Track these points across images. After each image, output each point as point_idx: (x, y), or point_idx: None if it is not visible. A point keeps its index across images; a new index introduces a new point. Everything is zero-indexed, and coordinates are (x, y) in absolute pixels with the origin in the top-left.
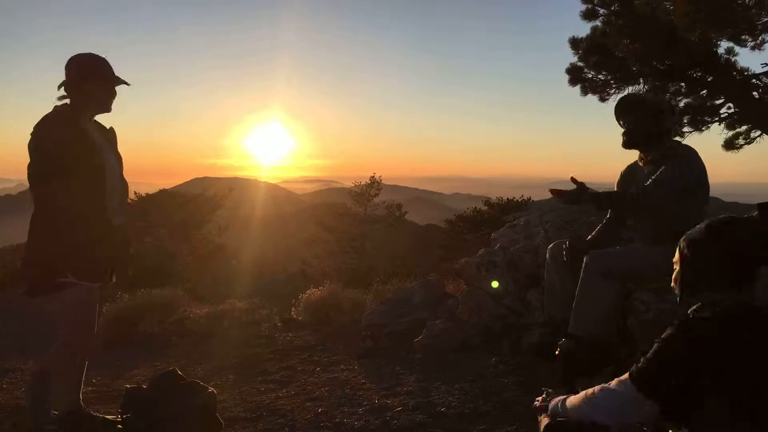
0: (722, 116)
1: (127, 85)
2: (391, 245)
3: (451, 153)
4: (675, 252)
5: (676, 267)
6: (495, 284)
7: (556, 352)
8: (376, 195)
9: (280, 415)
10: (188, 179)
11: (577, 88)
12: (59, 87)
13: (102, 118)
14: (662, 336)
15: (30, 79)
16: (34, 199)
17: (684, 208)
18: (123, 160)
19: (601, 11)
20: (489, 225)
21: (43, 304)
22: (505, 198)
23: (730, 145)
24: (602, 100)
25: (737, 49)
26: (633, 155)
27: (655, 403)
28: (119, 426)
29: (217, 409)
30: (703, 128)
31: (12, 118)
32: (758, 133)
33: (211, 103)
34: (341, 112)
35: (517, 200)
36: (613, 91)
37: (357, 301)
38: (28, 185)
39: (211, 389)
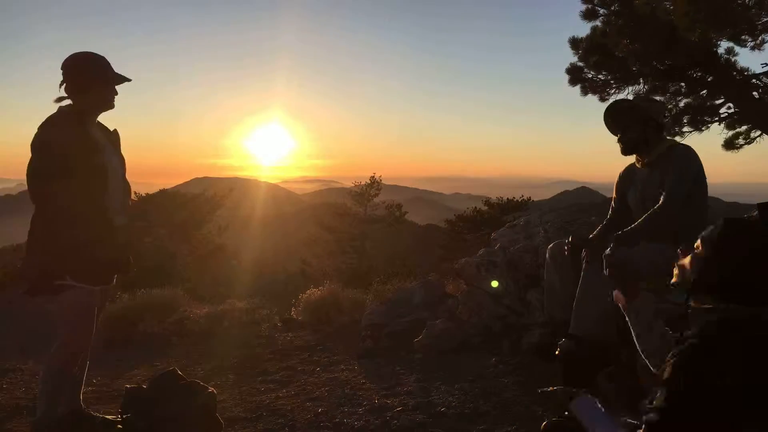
0: (722, 116)
1: (128, 80)
2: (391, 245)
3: (451, 153)
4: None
5: (684, 266)
6: (495, 284)
7: (556, 352)
8: (376, 195)
9: (280, 415)
10: (188, 179)
11: (577, 88)
12: (60, 86)
13: (106, 120)
14: (668, 372)
15: (30, 80)
16: (32, 199)
17: (683, 208)
18: (126, 162)
19: (601, 11)
20: (489, 225)
21: (43, 303)
22: (505, 198)
23: (730, 145)
24: (602, 100)
25: (737, 49)
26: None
27: None
28: (119, 426)
29: (217, 409)
30: (703, 128)
31: (12, 119)
32: (758, 133)
33: (212, 103)
34: (341, 113)
35: (517, 200)
36: (613, 91)
37: (357, 301)
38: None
39: (211, 389)
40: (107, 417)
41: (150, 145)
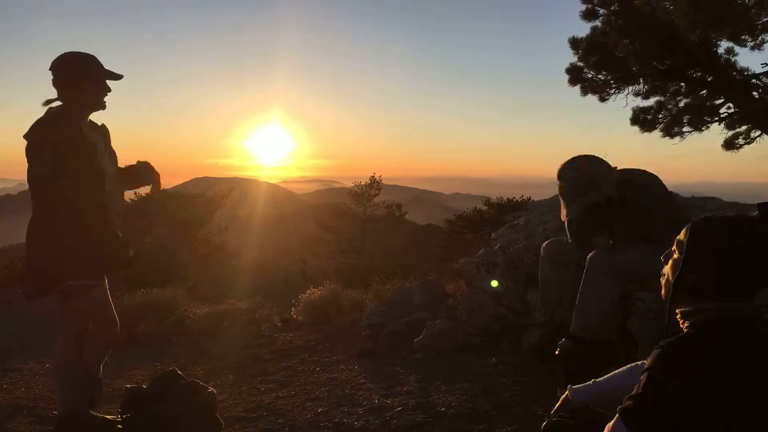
0: (722, 116)
1: (120, 77)
2: (390, 245)
3: (451, 153)
4: (664, 250)
5: (675, 257)
6: (495, 284)
7: (556, 352)
8: (376, 195)
9: (280, 415)
10: (189, 179)
11: (577, 88)
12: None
13: (106, 121)
14: (648, 365)
15: (30, 81)
16: (35, 201)
17: (669, 210)
18: (117, 157)
19: (601, 11)
20: (489, 225)
21: (45, 304)
22: (505, 198)
23: (730, 145)
24: (602, 100)
25: (737, 49)
26: (634, 153)
27: None
28: (119, 426)
29: (217, 408)
30: (703, 128)
31: (12, 119)
32: (758, 133)
33: (213, 104)
34: (341, 113)
35: (517, 200)
36: (612, 90)
37: (357, 301)
38: (27, 186)
39: (211, 389)
40: (107, 417)
41: (150, 145)
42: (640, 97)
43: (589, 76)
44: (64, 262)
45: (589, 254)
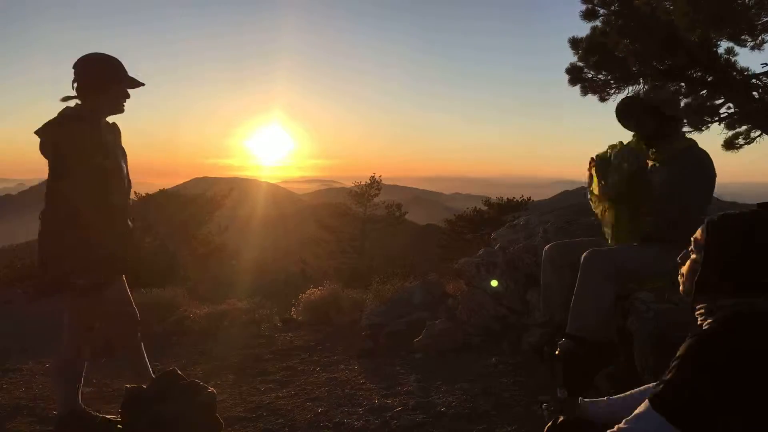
0: (722, 116)
1: (142, 85)
2: (390, 245)
3: (451, 153)
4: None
5: (693, 257)
6: (495, 284)
7: (556, 353)
8: (376, 195)
9: (280, 415)
10: (189, 179)
11: (577, 88)
12: (73, 85)
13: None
14: (681, 353)
15: (30, 81)
16: (48, 200)
17: (681, 209)
18: (127, 157)
19: (601, 11)
20: (489, 225)
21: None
22: (505, 198)
23: (730, 145)
24: (602, 99)
25: (737, 49)
26: None
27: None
28: (119, 426)
29: (217, 408)
30: (703, 128)
31: (12, 119)
32: (758, 133)
33: (213, 104)
34: (341, 113)
35: (517, 200)
36: (612, 91)
37: (357, 301)
38: (29, 186)
39: (211, 389)
40: (107, 417)
41: (150, 145)
42: None
43: (589, 76)
44: (65, 261)
45: (584, 254)
